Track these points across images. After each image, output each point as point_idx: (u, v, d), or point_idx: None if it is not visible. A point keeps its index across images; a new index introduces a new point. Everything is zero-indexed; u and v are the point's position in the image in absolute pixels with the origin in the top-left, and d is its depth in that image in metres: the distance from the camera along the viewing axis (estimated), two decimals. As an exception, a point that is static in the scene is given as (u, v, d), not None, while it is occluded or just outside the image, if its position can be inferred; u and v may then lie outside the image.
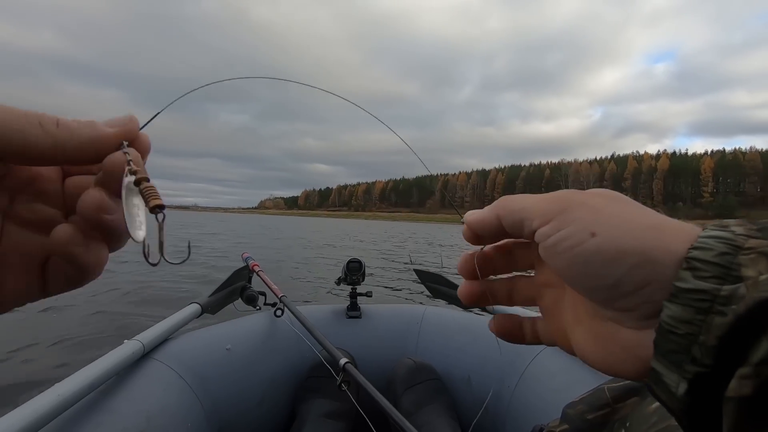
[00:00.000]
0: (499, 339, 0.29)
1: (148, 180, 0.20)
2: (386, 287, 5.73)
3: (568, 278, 0.21)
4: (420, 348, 1.27)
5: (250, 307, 1.24)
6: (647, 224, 0.19)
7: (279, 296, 1.19)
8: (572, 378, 0.90)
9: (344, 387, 0.89)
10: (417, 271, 1.69)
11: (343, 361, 0.91)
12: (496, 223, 0.24)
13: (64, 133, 0.19)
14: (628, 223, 0.20)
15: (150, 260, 0.21)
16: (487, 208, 0.25)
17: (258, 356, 1.15)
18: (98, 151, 0.20)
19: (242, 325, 1.22)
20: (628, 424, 0.44)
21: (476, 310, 1.34)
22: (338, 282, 1.41)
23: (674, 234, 0.19)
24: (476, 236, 0.25)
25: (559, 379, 0.92)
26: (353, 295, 1.37)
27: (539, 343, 0.27)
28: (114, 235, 0.21)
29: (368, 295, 1.41)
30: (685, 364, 0.17)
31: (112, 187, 0.20)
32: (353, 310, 1.35)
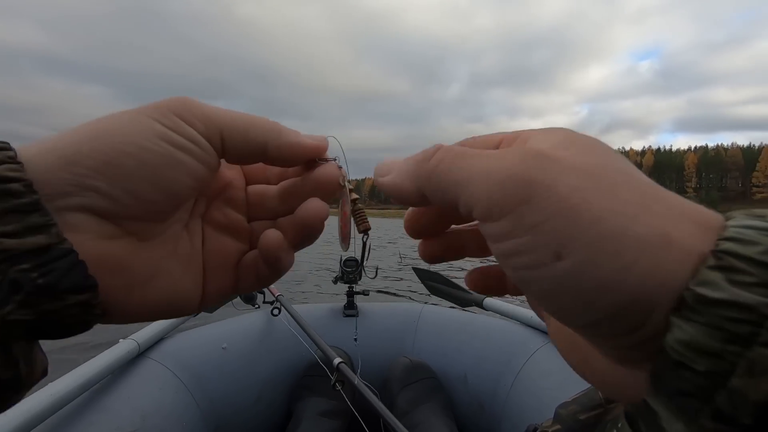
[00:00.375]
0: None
1: (360, 200, 0.23)
2: (384, 279, 5.72)
3: (528, 296, 0.16)
4: (417, 347, 1.28)
5: (249, 305, 1.24)
6: (647, 236, 0.12)
7: (276, 295, 1.19)
8: (568, 377, 0.90)
9: (338, 387, 0.89)
10: (416, 269, 1.69)
11: (336, 360, 0.91)
12: (418, 198, 0.17)
13: (274, 131, 0.21)
14: (617, 234, 0.13)
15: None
16: (406, 168, 0.18)
17: (254, 355, 1.15)
18: (298, 156, 0.22)
19: (238, 324, 1.21)
20: (620, 425, 0.44)
21: (474, 309, 1.35)
22: (335, 280, 1.41)
23: (696, 234, 0.12)
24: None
25: (555, 378, 0.93)
26: (350, 294, 1.37)
27: None
28: (309, 242, 0.22)
29: (365, 293, 1.40)
30: (702, 418, 0.11)
31: (325, 197, 0.22)
32: (350, 308, 1.35)
